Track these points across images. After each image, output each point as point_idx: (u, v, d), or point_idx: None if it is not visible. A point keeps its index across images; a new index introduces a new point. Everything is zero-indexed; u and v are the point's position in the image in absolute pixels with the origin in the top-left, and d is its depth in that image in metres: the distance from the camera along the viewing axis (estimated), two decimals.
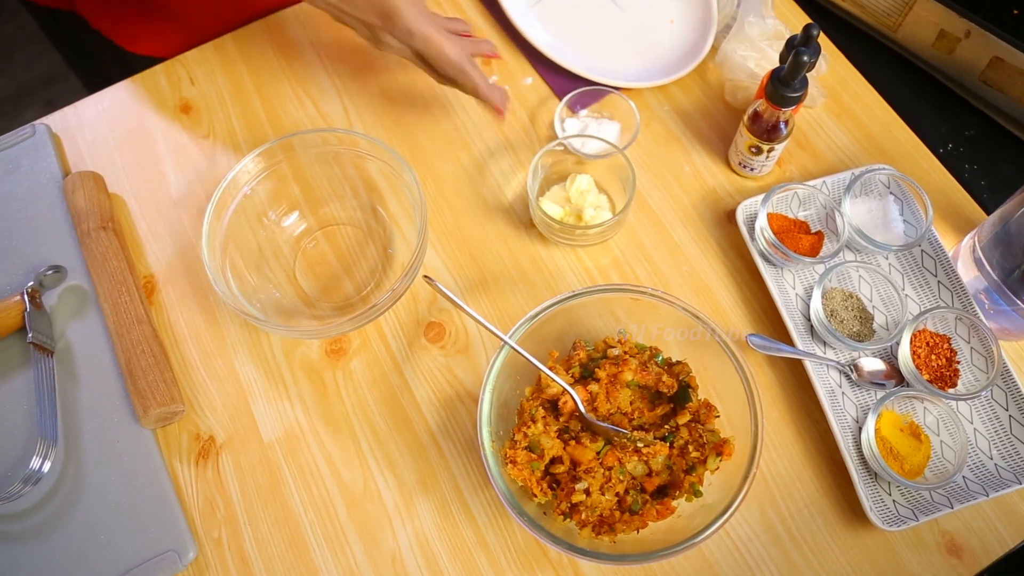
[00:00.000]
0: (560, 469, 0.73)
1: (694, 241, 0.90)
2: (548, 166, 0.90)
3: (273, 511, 0.79)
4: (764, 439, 0.70)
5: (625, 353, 0.77)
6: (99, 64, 1.14)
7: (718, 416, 0.75)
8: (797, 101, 0.81)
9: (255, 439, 0.82)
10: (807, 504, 0.78)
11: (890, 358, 0.83)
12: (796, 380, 0.83)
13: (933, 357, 0.82)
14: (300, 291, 0.88)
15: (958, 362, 0.82)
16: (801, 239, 0.85)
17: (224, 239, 0.83)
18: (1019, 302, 0.79)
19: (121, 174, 0.95)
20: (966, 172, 0.94)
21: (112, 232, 0.88)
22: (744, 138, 0.87)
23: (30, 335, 0.82)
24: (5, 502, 0.76)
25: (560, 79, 0.98)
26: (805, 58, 0.76)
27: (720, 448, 0.73)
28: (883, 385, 0.81)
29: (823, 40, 0.99)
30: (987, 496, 0.75)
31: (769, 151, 0.87)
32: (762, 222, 0.83)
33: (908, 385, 0.80)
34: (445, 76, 0.87)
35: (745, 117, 0.86)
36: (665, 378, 0.75)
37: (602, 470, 0.71)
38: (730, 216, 0.90)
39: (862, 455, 0.77)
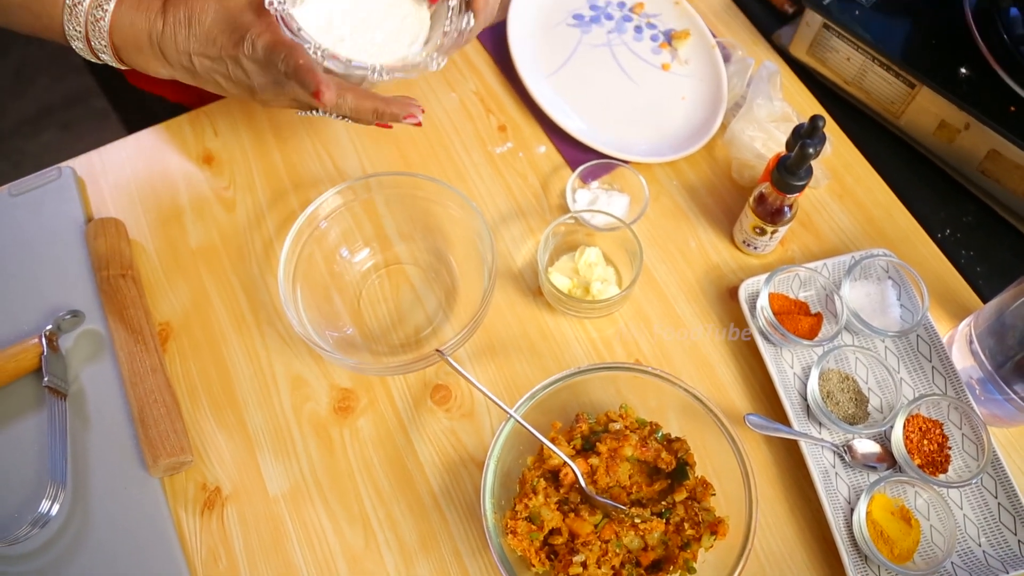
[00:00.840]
0: (559, 540, 0.74)
1: (696, 315, 0.92)
2: (559, 236, 0.93)
3: (275, 565, 0.80)
4: (759, 521, 0.72)
5: (626, 428, 0.79)
6: (123, 105, 1.18)
7: (714, 494, 0.77)
8: (801, 188, 0.84)
9: (260, 492, 0.83)
10: None
11: (884, 441, 0.85)
12: (791, 458, 0.85)
13: (925, 442, 0.84)
14: (363, 327, 0.91)
15: (949, 448, 0.84)
16: (801, 320, 0.88)
17: (295, 269, 0.86)
18: (1011, 392, 0.81)
19: (142, 220, 0.97)
20: (962, 258, 0.97)
21: (131, 280, 0.90)
22: (749, 219, 0.90)
23: (46, 379, 0.84)
24: (12, 544, 0.78)
25: (573, 149, 1.01)
26: (811, 150, 0.79)
27: (715, 527, 0.74)
28: (876, 468, 0.83)
29: (829, 121, 1.02)
30: None
31: (773, 232, 0.89)
32: (763, 302, 0.86)
33: (900, 469, 0.82)
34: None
35: (751, 199, 0.89)
36: (664, 455, 0.77)
37: (599, 543, 0.73)
38: (732, 292, 0.93)
39: (853, 537, 0.79)
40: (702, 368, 0.89)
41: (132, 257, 0.93)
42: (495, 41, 1.10)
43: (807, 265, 0.90)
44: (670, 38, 1.09)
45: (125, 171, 1.01)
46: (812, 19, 1.02)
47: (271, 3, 0.75)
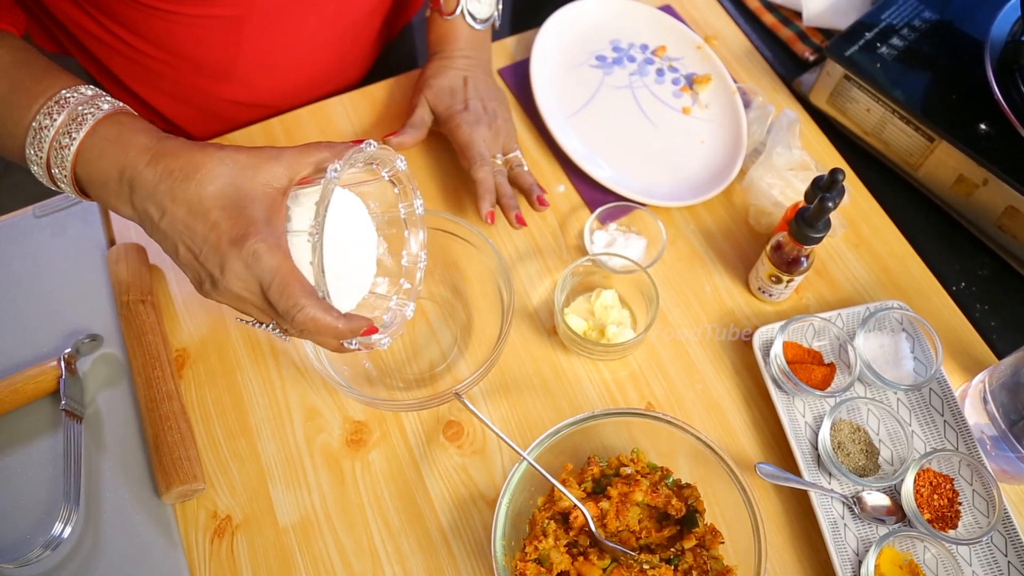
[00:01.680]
0: None
1: (710, 361, 0.93)
2: (576, 277, 0.93)
3: None
4: (768, 572, 0.72)
5: (637, 472, 0.79)
6: None
7: (723, 542, 0.77)
8: (819, 240, 0.84)
9: (271, 522, 0.84)
10: None
11: (893, 494, 0.85)
12: (800, 507, 0.85)
13: (935, 497, 0.84)
14: (378, 360, 0.92)
15: (960, 503, 0.84)
16: (814, 371, 0.88)
17: None
18: (1022, 450, 0.81)
19: None
20: (977, 311, 0.97)
21: (150, 306, 0.91)
22: (765, 267, 0.90)
23: (63, 402, 0.85)
24: (23, 566, 0.78)
25: (592, 190, 1.02)
26: (830, 204, 0.80)
27: None
28: (885, 521, 0.83)
29: (847, 171, 1.03)
30: None
31: (789, 281, 0.90)
32: (777, 350, 0.86)
33: (909, 523, 0.82)
34: None
35: (768, 247, 0.89)
36: (674, 501, 0.78)
37: None
38: (746, 339, 0.93)
39: None
40: (714, 413, 0.90)
41: (152, 283, 0.94)
42: (517, 79, 1.12)
43: (821, 315, 0.90)
44: (691, 82, 1.10)
45: None
46: (833, 69, 1.03)
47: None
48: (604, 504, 0.77)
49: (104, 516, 0.83)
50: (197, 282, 0.67)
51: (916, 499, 0.82)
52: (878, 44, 1.02)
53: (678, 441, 0.80)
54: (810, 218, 0.83)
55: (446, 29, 1.03)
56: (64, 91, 0.67)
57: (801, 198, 0.93)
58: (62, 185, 0.69)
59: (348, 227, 0.72)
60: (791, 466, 0.85)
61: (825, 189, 0.82)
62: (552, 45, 1.11)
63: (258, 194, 0.65)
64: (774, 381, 0.88)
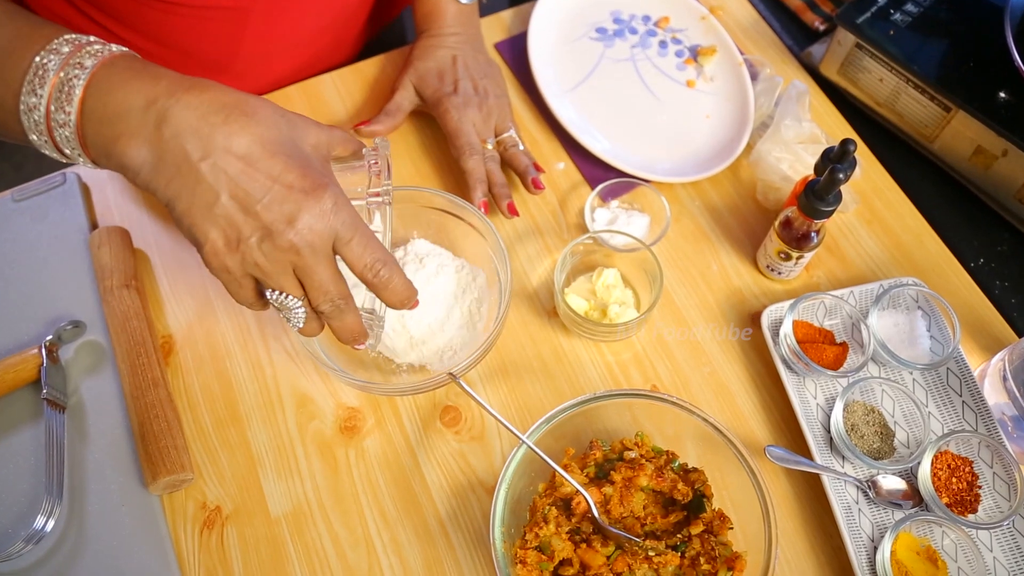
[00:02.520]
0: (569, 572, 0.71)
1: (716, 341, 0.89)
2: (576, 256, 0.90)
3: None
4: (778, 558, 0.69)
5: (642, 456, 0.76)
6: None
7: (732, 528, 0.74)
8: (830, 214, 0.81)
9: (262, 513, 0.81)
10: None
11: (910, 477, 0.81)
12: (812, 492, 0.81)
13: (954, 480, 0.80)
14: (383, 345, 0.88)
15: (979, 487, 0.80)
16: (825, 350, 0.84)
17: None
18: None
19: (147, 229, 0.95)
20: (996, 288, 0.93)
21: (135, 291, 0.88)
22: (774, 243, 0.87)
23: (45, 390, 0.82)
24: (5, 561, 0.75)
25: (592, 167, 0.98)
26: (841, 175, 0.76)
27: (732, 563, 0.71)
28: (901, 505, 0.80)
29: (859, 144, 0.99)
30: None
31: (798, 258, 0.86)
32: (787, 329, 0.83)
33: (926, 507, 0.79)
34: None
35: (776, 223, 0.86)
36: (680, 486, 0.74)
37: (611, 575, 0.71)
38: (754, 318, 0.90)
39: None
40: (721, 395, 0.86)
41: (136, 267, 0.90)
42: (514, 54, 1.08)
43: (833, 293, 0.87)
44: (696, 54, 1.06)
45: None
46: (844, 38, 0.99)
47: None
48: (607, 489, 0.74)
49: (88, 508, 0.80)
50: (231, 240, 0.58)
51: (934, 483, 0.79)
52: (891, 11, 0.98)
53: (684, 423, 0.77)
54: (820, 190, 0.79)
55: (432, 6, 1.00)
56: (67, 35, 0.60)
57: (811, 172, 0.90)
58: (61, 131, 0.59)
59: None
60: (802, 449, 0.82)
61: (836, 160, 0.79)
62: (550, 17, 1.07)
63: (312, 154, 0.62)
64: (784, 361, 0.85)
